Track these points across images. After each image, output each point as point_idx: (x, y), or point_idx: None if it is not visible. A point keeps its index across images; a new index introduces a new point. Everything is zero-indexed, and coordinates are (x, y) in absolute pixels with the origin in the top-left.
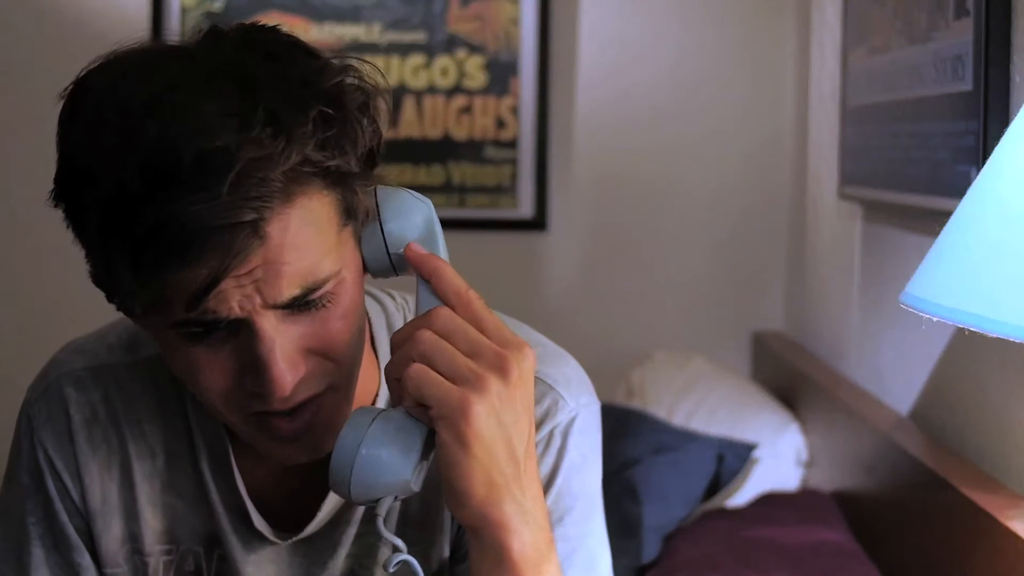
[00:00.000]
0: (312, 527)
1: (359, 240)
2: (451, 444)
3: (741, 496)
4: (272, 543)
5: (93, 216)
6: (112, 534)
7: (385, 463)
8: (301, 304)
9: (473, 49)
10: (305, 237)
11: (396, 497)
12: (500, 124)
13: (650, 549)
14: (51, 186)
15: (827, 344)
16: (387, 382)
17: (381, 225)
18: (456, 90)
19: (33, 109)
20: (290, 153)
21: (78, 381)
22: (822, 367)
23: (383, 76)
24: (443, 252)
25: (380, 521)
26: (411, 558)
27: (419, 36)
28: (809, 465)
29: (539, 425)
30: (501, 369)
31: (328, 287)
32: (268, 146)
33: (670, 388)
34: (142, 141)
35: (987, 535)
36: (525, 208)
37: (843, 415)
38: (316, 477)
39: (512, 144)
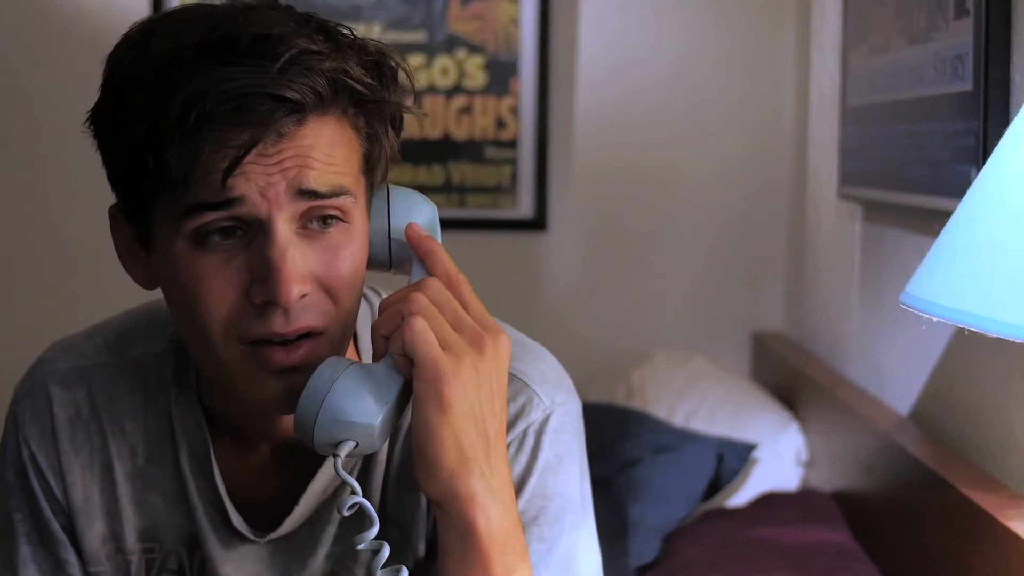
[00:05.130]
0: (288, 525)
1: (367, 218)
2: (429, 406)
3: (741, 496)
4: (251, 542)
5: (142, 96)
6: (94, 532)
7: (354, 404)
8: (319, 221)
9: (473, 49)
10: (333, 148)
11: (356, 444)
12: (500, 124)
13: (650, 549)
14: (51, 184)
15: (827, 344)
16: (373, 339)
17: (389, 214)
18: (456, 90)
19: (33, 109)
20: (336, 57)
21: (63, 380)
22: (822, 367)
23: (408, 67)
24: None
25: (339, 462)
26: (365, 501)
27: (419, 36)
28: (809, 465)
29: (513, 423)
30: (479, 346)
31: (345, 204)
32: (320, 45)
33: (670, 388)
34: (198, 29)
35: (987, 535)
36: (525, 208)
37: (843, 415)
38: (295, 475)
39: (512, 144)
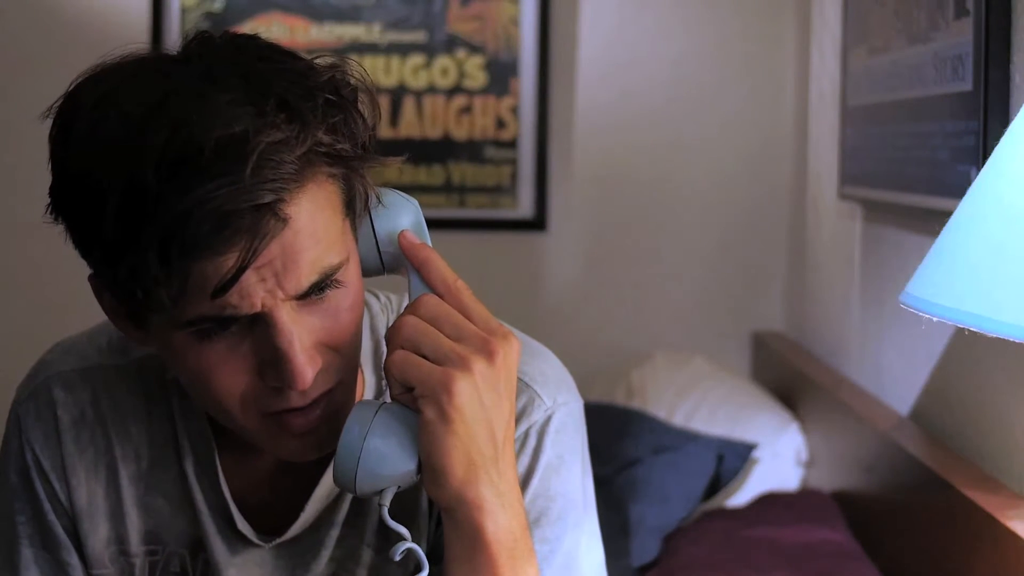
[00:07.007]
0: (295, 529)
1: (355, 237)
2: (433, 421)
3: (741, 496)
4: (255, 546)
5: (108, 218)
6: (98, 535)
7: (390, 453)
8: (315, 293)
9: (473, 49)
10: (317, 222)
11: (399, 487)
12: (500, 124)
13: (650, 549)
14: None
15: (827, 344)
16: (386, 377)
17: (372, 222)
18: (456, 90)
19: (33, 110)
20: (305, 137)
21: (67, 382)
22: (822, 367)
23: (366, 73)
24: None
25: (385, 511)
26: (416, 546)
27: (419, 36)
28: (809, 465)
29: (515, 423)
30: (486, 351)
31: (338, 275)
32: (285, 130)
33: (670, 388)
34: (154, 135)
35: (987, 535)
36: (525, 208)
37: (843, 415)
38: (299, 480)
39: (512, 144)
